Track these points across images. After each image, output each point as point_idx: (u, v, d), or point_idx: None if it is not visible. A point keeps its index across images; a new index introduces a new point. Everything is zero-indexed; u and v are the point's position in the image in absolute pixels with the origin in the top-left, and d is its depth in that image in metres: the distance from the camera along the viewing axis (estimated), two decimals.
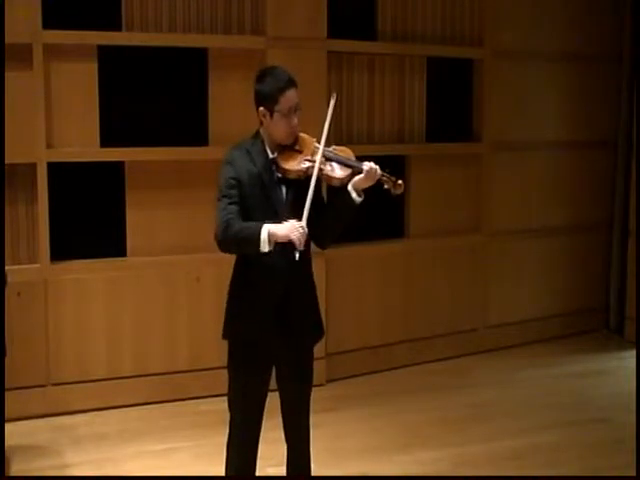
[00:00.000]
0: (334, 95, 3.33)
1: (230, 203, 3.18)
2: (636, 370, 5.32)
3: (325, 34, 5.45)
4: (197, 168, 5.19)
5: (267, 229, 3.08)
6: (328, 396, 5.35)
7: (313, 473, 3.53)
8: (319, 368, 5.37)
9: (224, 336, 3.39)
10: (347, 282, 5.77)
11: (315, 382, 3.51)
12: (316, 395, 3.51)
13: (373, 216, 5.73)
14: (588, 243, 6.96)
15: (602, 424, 5.05)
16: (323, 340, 3.71)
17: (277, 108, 3.21)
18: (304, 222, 3.10)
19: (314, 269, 3.43)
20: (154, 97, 5.21)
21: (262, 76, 3.28)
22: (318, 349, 3.53)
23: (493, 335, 6.48)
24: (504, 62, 6.34)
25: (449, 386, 5.71)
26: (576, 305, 6.95)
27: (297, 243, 3.07)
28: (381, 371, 5.90)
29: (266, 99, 3.23)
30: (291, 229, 3.08)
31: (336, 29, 5.53)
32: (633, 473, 4.08)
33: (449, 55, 6.13)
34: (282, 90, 3.21)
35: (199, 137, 5.30)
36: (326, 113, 3.32)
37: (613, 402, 5.42)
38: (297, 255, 3.07)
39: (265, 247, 3.08)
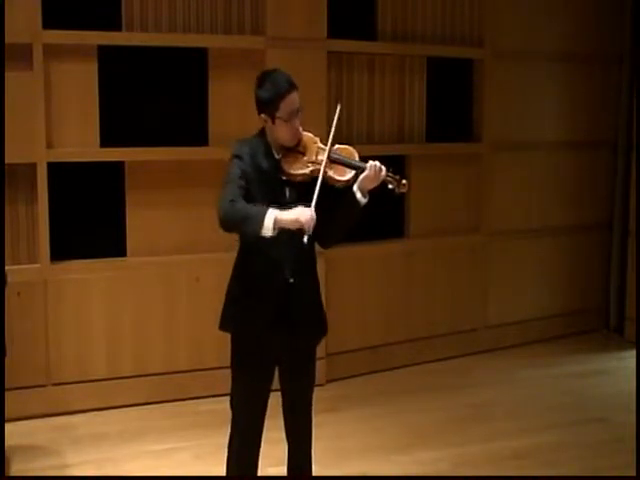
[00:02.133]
0: (339, 105, 3.30)
1: (239, 187, 3.12)
2: (636, 370, 5.32)
3: (325, 34, 5.45)
4: (197, 168, 5.19)
5: (274, 214, 2.98)
6: (328, 396, 5.34)
7: (314, 473, 3.53)
8: (319, 368, 5.35)
9: (221, 326, 3.34)
10: (347, 282, 5.76)
11: (315, 382, 3.51)
12: (316, 395, 3.51)
13: (373, 216, 5.72)
14: (588, 243, 6.95)
15: (602, 424, 5.05)
16: (323, 340, 3.71)
17: (278, 114, 3.19)
18: (312, 209, 3.01)
19: None
20: (154, 97, 5.21)
21: (262, 81, 3.24)
22: (319, 349, 3.53)
23: (493, 335, 6.48)
24: (504, 62, 6.34)
25: (449, 386, 5.71)
26: (576, 305, 6.95)
27: (306, 227, 2.97)
28: (381, 371, 5.90)
29: (267, 106, 3.21)
30: (300, 213, 2.99)
31: (336, 29, 5.52)
32: (633, 473, 4.07)
33: (449, 55, 6.12)
34: (282, 96, 3.18)
35: (199, 137, 5.29)
36: (332, 119, 3.28)
37: (613, 402, 5.42)
38: (306, 239, 2.96)
39: (268, 231, 2.97)
